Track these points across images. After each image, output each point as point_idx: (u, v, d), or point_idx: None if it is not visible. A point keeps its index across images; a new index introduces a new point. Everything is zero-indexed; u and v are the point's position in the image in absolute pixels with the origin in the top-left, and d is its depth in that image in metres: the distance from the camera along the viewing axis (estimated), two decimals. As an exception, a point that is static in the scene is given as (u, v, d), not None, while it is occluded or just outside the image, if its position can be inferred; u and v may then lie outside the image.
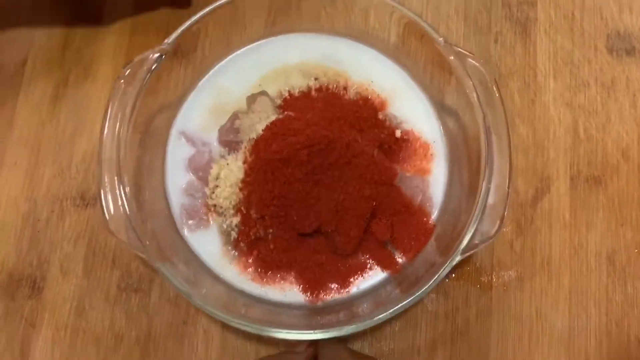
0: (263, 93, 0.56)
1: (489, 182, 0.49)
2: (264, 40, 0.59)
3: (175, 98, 0.58)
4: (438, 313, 0.55)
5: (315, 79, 0.57)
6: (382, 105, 0.57)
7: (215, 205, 0.53)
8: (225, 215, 0.53)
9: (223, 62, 0.59)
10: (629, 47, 0.63)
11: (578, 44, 0.63)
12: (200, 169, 0.54)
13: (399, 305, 0.46)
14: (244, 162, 0.52)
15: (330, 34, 0.59)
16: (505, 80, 0.61)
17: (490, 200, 0.49)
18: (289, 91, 0.56)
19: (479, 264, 0.56)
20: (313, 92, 0.56)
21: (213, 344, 0.55)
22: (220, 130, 0.55)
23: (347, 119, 0.53)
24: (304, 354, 0.50)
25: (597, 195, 0.59)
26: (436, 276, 0.47)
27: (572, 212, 0.58)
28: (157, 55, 0.52)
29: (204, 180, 0.54)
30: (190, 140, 0.56)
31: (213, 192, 0.53)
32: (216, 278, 0.53)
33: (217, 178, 0.53)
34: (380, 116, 0.56)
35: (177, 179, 0.55)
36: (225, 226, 0.53)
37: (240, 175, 0.52)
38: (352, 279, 0.52)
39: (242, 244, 0.52)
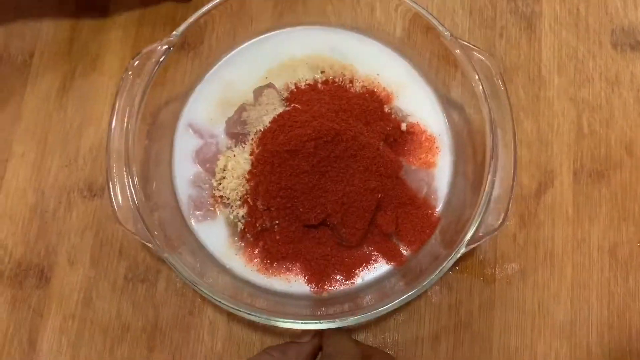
0: (270, 86, 0.56)
1: (494, 175, 0.49)
2: (270, 33, 0.59)
3: (183, 90, 0.58)
4: (441, 305, 0.56)
5: (322, 72, 0.57)
6: (388, 98, 0.57)
7: (222, 197, 0.54)
8: (231, 207, 0.53)
9: (230, 55, 0.59)
10: (634, 43, 0.63)
11: (583, 39, 0.63)
12: (207, 160, 0.55)
13: (403, 297, 0.47)
14: (251, 154, 0.52)
15: (336, 27, 0.60)
16: (509, 75, 0.62)
17: (495, 193, 0.50)
18: (295, 84, 0.57)
19: (482, 257, 0.57)
20: (319, 85, 0.56)
21: (219, 335, 0.55)
22: (227, 122, 0.56)
23: (353, 112, 0.53)
24: (309, 344, 0.50)
25: (600, 189, 0.59)
26: (440, 268, 0.47)
27: (575, 206, 0.58)
28: (164, 47, 0.53)
29: (211, 172, 0.55)
30: (198, 132, 0.56)
31: (220, 184, 0.54)
32: (222, 269, 0.53)
33: (224, 170, 0.54)
34: (386, 109, 0.56)
35: (185, 170, 0.56)
36: (232, 217, 0.53)
37: (247, 167, 0.52)
38: (357, 271, 0.53)
39: (248, 235, 0.53)
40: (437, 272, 0.48)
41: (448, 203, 0.55)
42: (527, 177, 0.59)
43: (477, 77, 0.51)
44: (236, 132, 0.54)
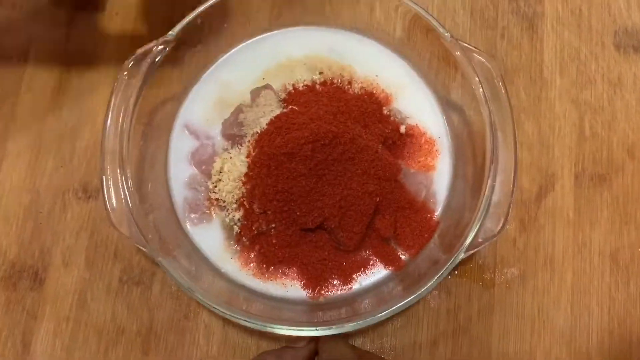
0: (267, 87, 0.55)
1: (494, 179, 0.49)
2: (268, 34, 0.59)
3: (179, 91, 0.57)
4: (440, 310, 0.55)
5: (320, 72, 0.57)
6: (387, 100, 0.56)
7: (218, 199, 0.53)
8: (227, 210, 0.52)
9: (227, 55, 0.58)
10: (637, 44, 0.62)
11: (585, 40, 0.62)
12: (203, 162, 0.54)
13: (401, 304, 0.46)
14: (248, 156, 0.52)
15: (335, 28, 0.59)
16: (510, 76, 0.61)
17: (495, 197, 0.49)
18: (293, 85, 0.56)
19: (481, 261, 0.56)
20: (317, 86, 0.56)
21: (214, 338, 0.55)
22: (223, 124, 0.55)
23: (351, 114, 0.53)
24: (305, 349, 0.50)
25: (601, 193, 0.58)
26: (439, 274, 0.47)
27: (576, 210, 0.58)
28: (160, 47, 0.52)
29: (207, 174, 0.54)
30: (194, 133, 0.56)
31: (216, 186, 0.53)
32: (218, 272, 0.53)
33: (220, 172, 0.53)
34: (385, 111, 0.55)
35: (180, 172, 0.55)
36: (227, 220, 0.52)
37: (243, 169, 0.51)
38: (354, 275, 0.52)
39: (244, 239, 0.52)
40: (436, 277, 0.47)
41: (447, 207, 0.54)
42: (527, 180, 0.58)
43: (477, 79, 0.51)
44: (233, 133, 0.54)
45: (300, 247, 0.52)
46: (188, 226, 0.54)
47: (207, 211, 0.54)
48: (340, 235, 0.51)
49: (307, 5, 0.60)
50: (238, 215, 0.51)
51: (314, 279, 0.51)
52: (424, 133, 0.56)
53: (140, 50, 0.52)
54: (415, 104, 0.57)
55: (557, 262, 0.56)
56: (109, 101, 0.51)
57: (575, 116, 0.60)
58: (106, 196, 0.49)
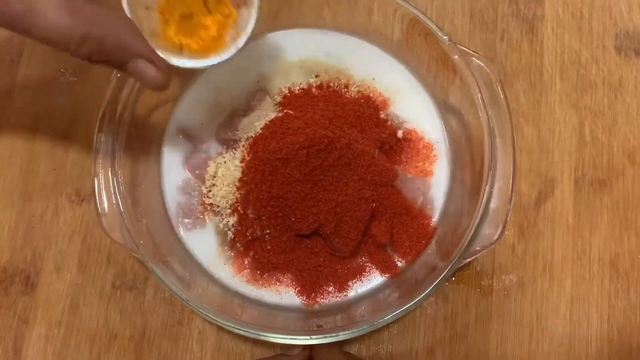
0: (262, 90, 0.55)
1: (492, 186, 0.48)
2: (264, 36, 0.58)
3: (173, 94, 0.56)
4: (437, 317, 0.55)
5: (316, 76, 0.56)
6: (384, 104, 0.56)
7: (211, 204, 0.52)
8: (221, 215, 0.52)
9: (222, 58, 0.57)
10: (638, 47, 0.61)
11: (586, 43, 0.62)
12: (197, 166, 0.54)
13: (398, 312, 0.45)
14: (242, 161, 0.51)
15: (332, 30, 0.58)
16: (510, 79, 0.60)
17: (493, 204, 0.48)
18: (289, 88, 0.55)
19: (479, 268, 0.55)
20: (314, 90, 0.55)
21: (208, 345, 0.54)
22: (218, 128, 0.54)
23: (347, 118, 0.52)
24: (299, 357, 0.49)
25: (601, 198, 0.58)
26: (436, 282, 0.46)
27: (575, 215, 0.57)
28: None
29: (201, 179, 0.53)
30: (188, 137, 0.55)
31: (210, 191, 0.52)
32: (211, 279, 0.52)
33: (214, 176, 0.52)
34: (382, 115, 0.54)
35: (174, 176, 0.54)
36: (221, 226, 0.52)
37: (237, 174, 0.51)
38: (350, 282, 0.52)
39: (238, 245, 0.52)
40: (433, 285, 0.46)
41: (445, 212, 0.54)
42: (526, 186, 0.58)
43: (476, 83, 0.50)
44: (227, 138, 0.53)
45: (295, 254, 0.51)
46: (181, 231, 0.53)
47: (201, 216, 0.53)
48: (336, 242, 0.50)
49: (304, 7, 0.59)
50: (232, 220, 0.51)
51: (309, 286, 0.51)
52: (421, 138, 0.55)
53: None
54: (413, 108, 0.56)
55: (556, 268, 0.56)
56: (103, 104, 0.50)
57: (575, 120, 0.59)
58: (98, 201, 0.48)
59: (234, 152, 0.52)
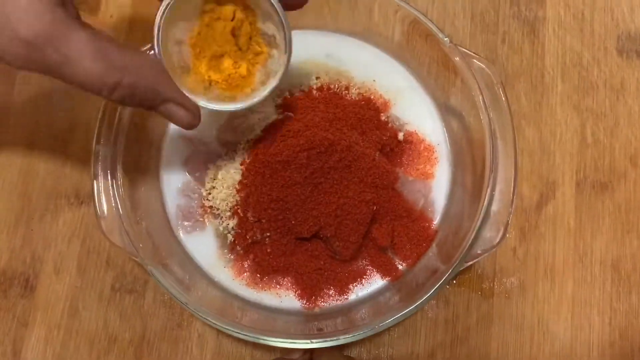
0: (263, 92, 0.54)
1: (493, 189, 0.48)
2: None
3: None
4: (438, 320, 0.54)
5: (317, 78, 0.55)
6: (385, 106, 0.55)
7: (211, 207, 0.52)
8: (221, 218, 0.51)
9: (222, 59, 0.57)
10: (640, 49, 0.61)
11: (587, 45, 0.61)
12: (197, 169, 0.53)
13: (399, 315, 0.45)
14: (242, 164, 0.51)
15: (332, 32, 0.58)
16: (511, 81, 0.60)
17: (494, 207, 0.48)
18: (289, 91, 0.55)
19: (480, 271, 0.55)
20: (314, 92, 0.54)
21: (207, 348, 0.54)
22: (218, 130, 0.54)
23: (348, 120, 0.52)
24: (300, 361, 0.49)
25: (603, 201, 0.57)
26: (437, 285, 0.46)
27: (577, 218, 0.57)
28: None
29: (201, 181, 0.53)
30: (188, 139, 0.54)
31: (210, 194, 0.52)
32: (211, 282, 0.52)
33: (214, 179, 0.52)
34: (383, 117, 0.54)
35: (173, 179, 0.54)
36: (221, 229, 0.51)
37: (237, 177, 0.50)
38: (350, 285, 0.51)
39: (238, 247, 0.51)
40: (434, 289, 0.46)
41: (446, 215, 0.53)
42: (528, 188, 0.57)
43: (477, 86, 0.50)
44: (227, 140, 0.53)
45: (296, 257, 0.51)
46: (181, 234, 0.53)
47: (201, 219, 0.53)
48: (336, 245, 0.50)
49: (304, 9, 0.58)
50: (232, 223, 0.51)
51: (309, 289, 0.51)
52: (422, 140, 0.55)
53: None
54: (414, 110, 0.56)
55: (557, 271, 0.55)
56: (102, 106, 0.50)
57: (577, 122, 0.59)
58: (97, 203, 0.48)
59: (234, 154, 0.52)
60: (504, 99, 0.50)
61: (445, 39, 0.51)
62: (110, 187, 0.48)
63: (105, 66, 0.35)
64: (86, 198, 0.57)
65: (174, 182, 0.54)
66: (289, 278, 0.51)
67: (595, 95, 0.60)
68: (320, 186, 0.48)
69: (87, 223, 0.56)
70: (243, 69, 0.45)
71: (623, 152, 0.58)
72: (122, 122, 0.50)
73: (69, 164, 0.58)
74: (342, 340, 0.45)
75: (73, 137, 0.58)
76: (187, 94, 0.42)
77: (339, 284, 0.51)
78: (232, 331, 0.45)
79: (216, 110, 0.44)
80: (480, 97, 0.49)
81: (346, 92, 0.55)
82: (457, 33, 0.61)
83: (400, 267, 0.52)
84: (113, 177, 0.48)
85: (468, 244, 0.47)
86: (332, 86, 0.55)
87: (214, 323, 0.45)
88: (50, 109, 0.59)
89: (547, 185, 0.57)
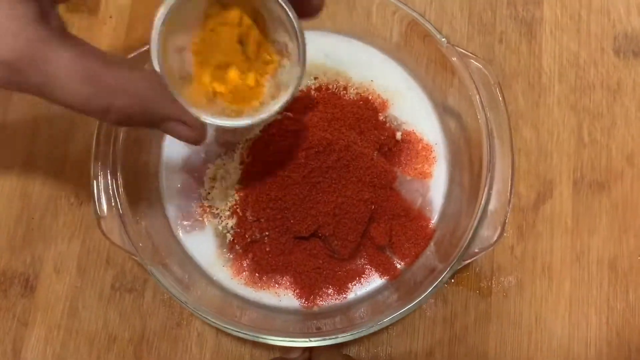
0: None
1: (491, 188, 0.48)
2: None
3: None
4: (436, 318, 0.55)
5: (315, 78, 0.56)
6: (383, 106, 0.56)
7: (210, 207, 0.52)
8: (220, 217, 0.52)
9: (221, 60, 0.57)
10: (637, 49, 0.61)
11: (584, 45, 0.62)
12: (196, 169, 0.54)
13: (397, 314, 0.45)
14: (241, 164, 0.51)
15: (331, 32, 0.58)
16: (509, 81, 0.60)
17: (492, 206, 0.48)
18: (288, 91, 0.55)
19: (478, 269, 0.55)
20: (312, 92, 0.55)
21: (207, 347, 0.54)
22: (217, 130, 0.54)
23: (346, 120, 0.52)
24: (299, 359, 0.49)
25: (600, 200, 0.58)
26: (435, 284, 0.46)
27: (574, 217, 0.57)
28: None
29: (200, 181, 0.53)
30: (187, 139, 0.55)
31: (209, 193, 0.52)
32: (210, 281, 0.52)
33: (213, 179, 0.52)
34: (381, 117, 0.54)
35: (173, 178, 0.54)
36: (220, 228, 0.52)
37: (236, 176, 0.51)
38: (349, 284, 0.52)
39: (237, 247, 0.52)
40: (432, 288, 0.46)
41: (443, 214, 0.54)
42: (525, 187, 0.58)
43: (474, 86, 0.50)
44: (226, 140, 0.53)
45: (294, 255, 0.51)
46: (180, 234, 0.53)
47: (200, 219, 0.53)
48: (335, 244, 0.50)
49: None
50: (231, 222, 0.51)
51: (308, 288, 0.51)
52: (420, 139, 0.55)
53: (133, 54, 0.51)
54: (412, 110, 0.56)
55: (554, 270, 0.56)
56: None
57: (574, 122, 0.59)
58: (97, 203, 0.48)
59: (233, 154, 0.52)
60: (501, 99, 0.50)
61: (443, 39, 0.51)
62: (110, 187, 0.48)
63: (93, 89, 0.32)
64: (86, 198, 0.57)
65: (173, 182, 0.54)
66: (288, 277, 0.52)
67: (592, 95, 0.60)
68: (318, 185, 0.49)
69: (87, 223, 0.57)
70: (251, 79, 0.40)
71: (620, 152, 0.59)
72: (122, 123, 0.50)
73: (68, 164, 0.58)
74: (340, 338, 0.45)
75: (72, 137, 0.58)
76: (189, 108, 0.37)
77: (337, 283, 0.51)
78: (232, 330, 0.45)
79: (221, 125, 0.39)
80: (478, 97, 0.50)
81: (344, 92, 0.55)
82: (454, 34, 0.62)
83: (398, 266, 0.52)
84: (113, 177, 0.48)
85: (466, 243, 0.47)
86: (330, 86, 0.55)
87: (213, 322, 0.45)
88: (50, 109, 0.59)
89: (544, 184, 0.58)
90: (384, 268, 0.52)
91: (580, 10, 0.62)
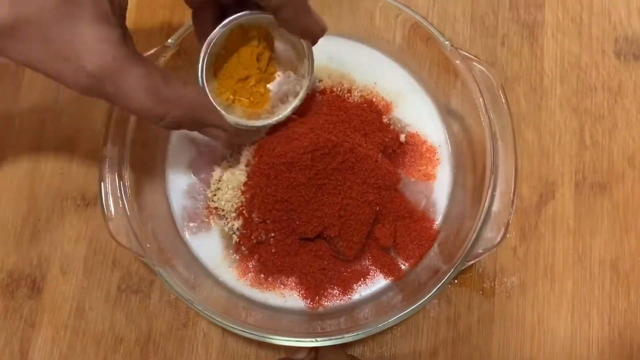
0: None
1: (494, 189, 0.48)
2: (267, 41, 0.58)
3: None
4: (440, 319, 0.55)
5: (320, 81, 0.56)
6: (387, 108, 0.56)
7: (216, 208, 0.53)
8: (226, 219, 0.52)
9: (227, 63, 0.58)
10: (638, 52, 0.62)
11: (586, 48, 0.62)
12: (202, 171, 0.54)
13: (402, 314, 0.46)
14: (247, 165, 0.51)
15: (334, 35, 0.58)
16: (511, 84, 0.61)
17: (495, 207, 0.49)
18: (293, 94, 0.55)
19: (481, 270, 0.56)
20: (317, 95, 0.55)
21: (213, 347, 0.54)
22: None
23: (351, 123, 0.52)
24: (305, 360, 0.50)
25: (602, 202, 0.58)
26: (439, 284, 0.46)
27: (576, 218, 0.58)
28: (160, 54, 0.52)
29: (206, 183, 0.54)
30: (193, 141, 0.55)
31: (215, 195, 0.53)
32: (216, 282, 0.52)
33: (219, 180, 0.53)
34: (385, 120, 0.55)
35: (179, 180, 0.55)
36: (226, 229, 0.52)
37: (242, 178, 0.51)
38: (354, 285, 0.52)
39: (243, 248, 0.52)
40: (436, 289, 0.47)
41: (447, 216, 0.54)
42: (527, 189, 0.58)
43: (477, 88, 0.50)
44: (232, 142, 0.53)
45: (300, 257, 0.51)
46: (187, 235, 0.54)
47: (206, 220, 0.53)
48: (340, 245, 0.50)
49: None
50: (237, 224, 0.51)
51: (313, 289, 0.51)
52: (424, 141, 0.56)
53: (139, 58, 0.52)
54: (415, 112, 0.56)
55: (557, 271, 0.56)
56: (109, 108, 0.51)
57: (575, 124, 0.60)
58: (104, 205, 0.49)
59: (239, 156, 0.53)
60: (503, 101, 0.51)
61: (446, 42, 0.52)
62: (118, 189, 0.49)
63: (154, 101, 0.39)
64: (92, 200, 0.58)
65: (179, 184, 0.55)
66: (293, 278, 0.52)
67: (594, 98, 0.61)
68: (324, 187, 0.49)
69: (94, 224, 0.57)
70: (262, 87, 0.49)
71: (621, 154, 0.59)
72: (129, 125, 0.50)
73: (74, 166, 0.58)
74: (346, 338, 0.46)
75: (79, 140, 0.59)
76: (226, 116, 0.45)
77: (342, 284, 0.52)
78: (238, 330, 0.46)
79: (248, 127, 0.47)
80: (481, 100, 0.50)
81: (348, 94, 0.56)
82: (457, 36, 0.62)
83: (402, 266, 0.53)
84: (120, 178, 0.49)
85: (469, 244, 0.47)
86: (334, 89, 0.56)
87: (219, 321, 0.46)
88: (56, 112, 0.60)
89: (546, 186, 0.58)
90: (388, 269, 0.52)
91: (581, 13, 0.63)
